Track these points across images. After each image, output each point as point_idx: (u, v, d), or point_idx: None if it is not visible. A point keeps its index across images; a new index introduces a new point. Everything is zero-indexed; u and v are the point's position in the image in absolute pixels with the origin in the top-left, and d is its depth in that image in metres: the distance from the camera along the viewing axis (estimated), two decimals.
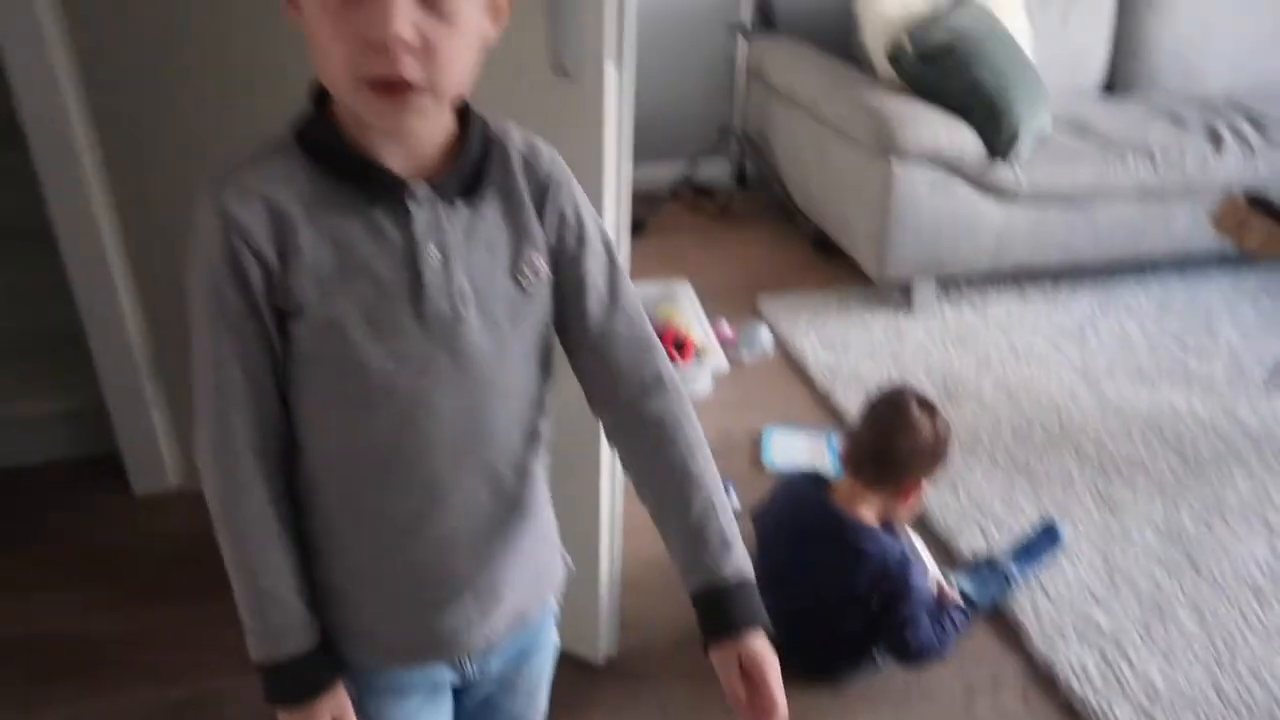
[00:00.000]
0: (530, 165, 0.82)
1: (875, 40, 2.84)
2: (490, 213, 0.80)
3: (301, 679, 0.82)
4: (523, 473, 0.88)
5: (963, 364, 2.51)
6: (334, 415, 0.80)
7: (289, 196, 0.74)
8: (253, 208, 0.73)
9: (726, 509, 0.84)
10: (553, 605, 1.00)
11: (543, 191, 0.82)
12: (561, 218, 0.84)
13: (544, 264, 0.82)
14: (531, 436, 0.88)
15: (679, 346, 2.32)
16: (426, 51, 0.68)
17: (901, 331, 2.66)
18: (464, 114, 0.80)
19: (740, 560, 0.83)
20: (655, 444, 0.85)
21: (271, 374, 0.78)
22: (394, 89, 0.69)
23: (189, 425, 0.77)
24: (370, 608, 0.86)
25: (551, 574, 0.97)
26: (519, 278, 0.81)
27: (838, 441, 2.19)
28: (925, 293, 2.75)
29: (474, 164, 0.79)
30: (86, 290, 1.76)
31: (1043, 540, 1.86)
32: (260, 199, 0.73)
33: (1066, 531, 1.89)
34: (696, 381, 2.36)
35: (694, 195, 3.33)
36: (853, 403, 2.28)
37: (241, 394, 0.77)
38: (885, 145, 2.51)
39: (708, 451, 0.86)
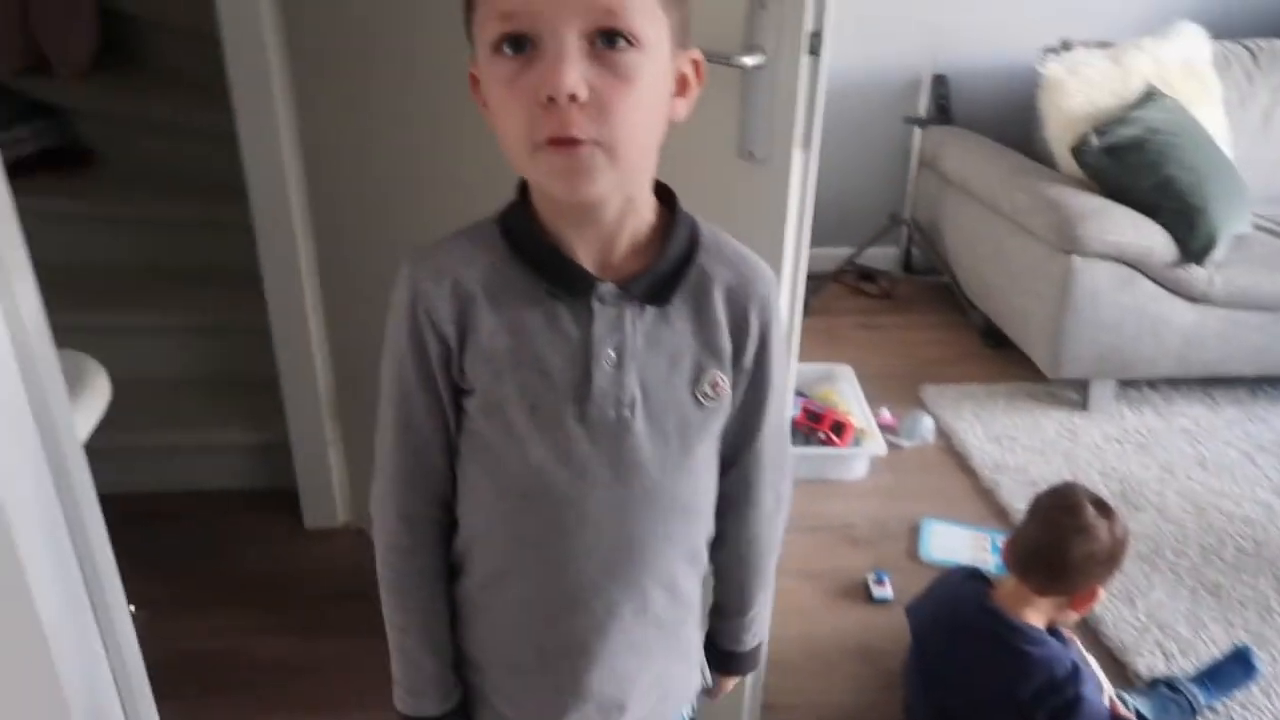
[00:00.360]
0: (738, 283, 0.78)
1: (1058, 134, 2.77)
2: (679, 322, 0.77)
3: None
4: (674, 593, 0.85)
5: (1143, 470, 2.36)
6: (490, 498, 0.80)
7: (476, 278, 0.74)
8: (441, 286, 0.74)
9: (769, 600, 0.98)
10: (684, 713, 0.98)
11: (745, 311, 0.78)
12: (761, 341, 0.80)
13: (727, 383, 0.79)
14: (690, 558, 0.85)
15: (837, 429, 2.28)
16: (599, 109, 0.65)
17: (1076, 431, 2.52)
18: (671, 213, 0.77)
19: (761, 631, 0.99)
20: (739, 560, 0.92)
21: (443, 447, 0.80)
22: (567, 146, 0.66)
23: (361, 467, 0.82)
24: (502, 687, 0.87)
25: (686, 689, 0.95)
26: (699, 395, 0.78)
27: (1001, 540, 2.09)
28: (1103, 392, 2.61)
29: (671, 269, 0.76)
30: (285, 335, 1.90)
31: (1235, 669, 1.70)
32: (451, 279, 0.74)
33: (1264, 663, 1.72)
34: (853, 465, 2.31)
35: (858, 278, 3.31)
36: (1019, 500, 2.17)
37: (412, 462, 0.80)
38: (1066, 239, 2.43)
39: (775, 555, 0.95)
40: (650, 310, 0.75)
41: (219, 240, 2.14)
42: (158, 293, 2.21)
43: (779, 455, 0.89)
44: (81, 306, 2.00)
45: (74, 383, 1.02)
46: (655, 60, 0.68)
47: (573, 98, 0.64)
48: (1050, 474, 2.31)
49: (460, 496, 0.83)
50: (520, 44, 0.65)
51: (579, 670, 0.83)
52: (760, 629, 0.99)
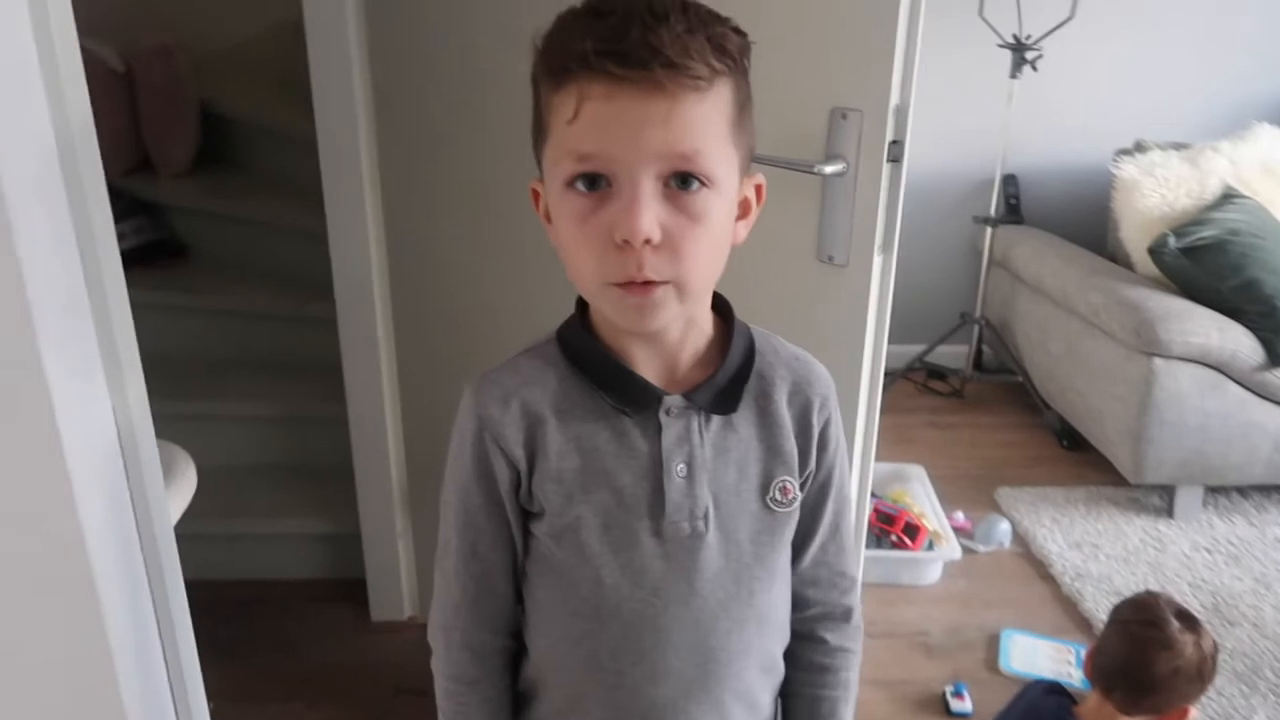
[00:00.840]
0: (798, 385, 0.79)
1: (1133, 235, 2.74)
2: (744, 429, 0.77)
3: None
4: (753, 708, 0.83)
5: (1236, 582, 2.24)
6: (562, 623, 0.78)
7: (542, 399, 0.74)
8: (509, 411, 0.74)
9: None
10: None
11: (807, 412, 0.79)
12: (823, 443, 0.80)
13: (796, 486, 0.79)
14: (768, 670, 0.84)
15: (910, 532, 2.23)
16: (672, 250, 0.66)
17: (1162, 539, 2.42)
18: (727, 322, 0.78)
19: None
20: (821, 670, 0.87)
21: (510, 573, 0.79)
22: (639, 288, 0.67)
23: (428, 561, 0.82)
24: None
25: None
26: (769, 501, 0.77)
27: (1085, 653, 1.99)
28: (1190, 499, 2.51)
29: (732, 377, 0.76)
30: (361, 427, 1.93)
31: None
32: (517, 402, 0.74)
33: None
34: (926, 569, 2.24)
35: (928, 376, 3.27)
36: (1104, 611, 2.07)
37: (477, 590, 0.79)
38: (1146, 341, 2.38)
39: (855, 696, 0.89)
40: (716, 419, 0.75)
41: (302, 333, 2.21)
42: (238, 382, 2.28)
43: (845, 559, 0.88)
44: (166, 394, 2.06)
45: (164, 472, 1.05)
46: (725, 196, 0.70)
47: (646, 241, 0.65)
48: (1136, 584, 2.21)
49: (529, 622, 0.81)
50: (594, 182, 0.66)
51: None
52: None
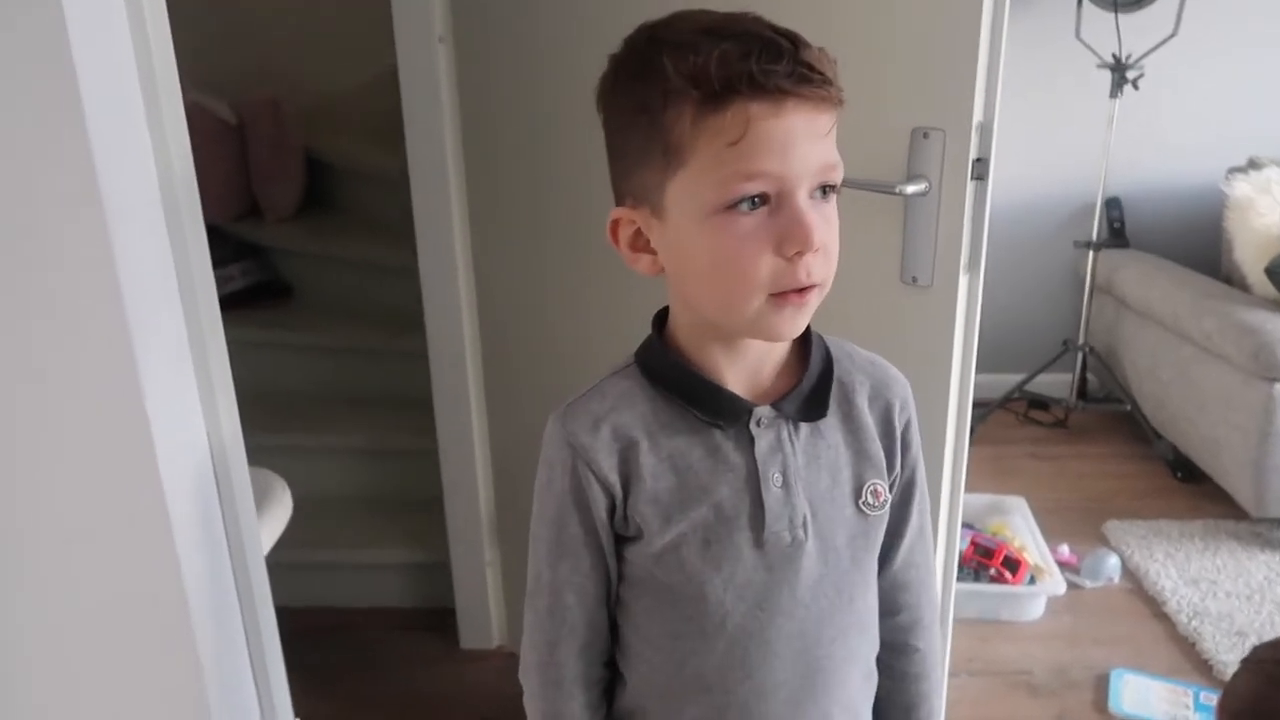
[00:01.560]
0: (877, 387, 0.80)
1: (1248, 256, 2.61)
2: (832, 435, 0.77)
3: None
4: (857, 717, 0.83)
5: None
6: (664, 646, 0.78)
7: (633, 422, 0.75)
8: (600, 437, 0.74)
9: None
10: None
11: (889, 415, 0.80)
12: (905, 443, 0.81)
13: (886, 489, 0.79)
14: (868, 678, 0.84)
15: (1010, 565, 2.14)
16: (824, 254, 0.70)
17: None
18: (804, 332, 0.78)
19: None
20: (917, 679, 0.87)
21: (604, 603, 0.79)
22: (798, 294, 0.69)
23: (516, 589, 0.81)
24: None
25: None
26: (862, 506, 0.78)
27: (1206, 697, 1.87)
28: None
29: (816, 384, 0.77)
30: (451, 458, 1.97)
31: None
32: (608, 426, 0.74)
33: None
34: (1028, 605, 2.14)
35: (1029, 406, 3.16)
36: (1225, 652, 1.96)
37: (573, 622, 0.78)
38: (1265, 365, 2.25)
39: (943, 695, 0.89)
40: (804, 427, 0.76)
41: (396, 368, 2.28)
42: (334, 415, 2.35)
43: (929, 559, 0.89)
44: (266, 427, 2.15)
45: (260, 498, 1.09)
46: (837, 197, 0.72)
47: (814, 249, 0.68)
48: (1260, 623, 2.07)
49: (626, 649, 0.81)
50: (754, 200, 0.68)
51: None
52: None
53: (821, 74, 0.66)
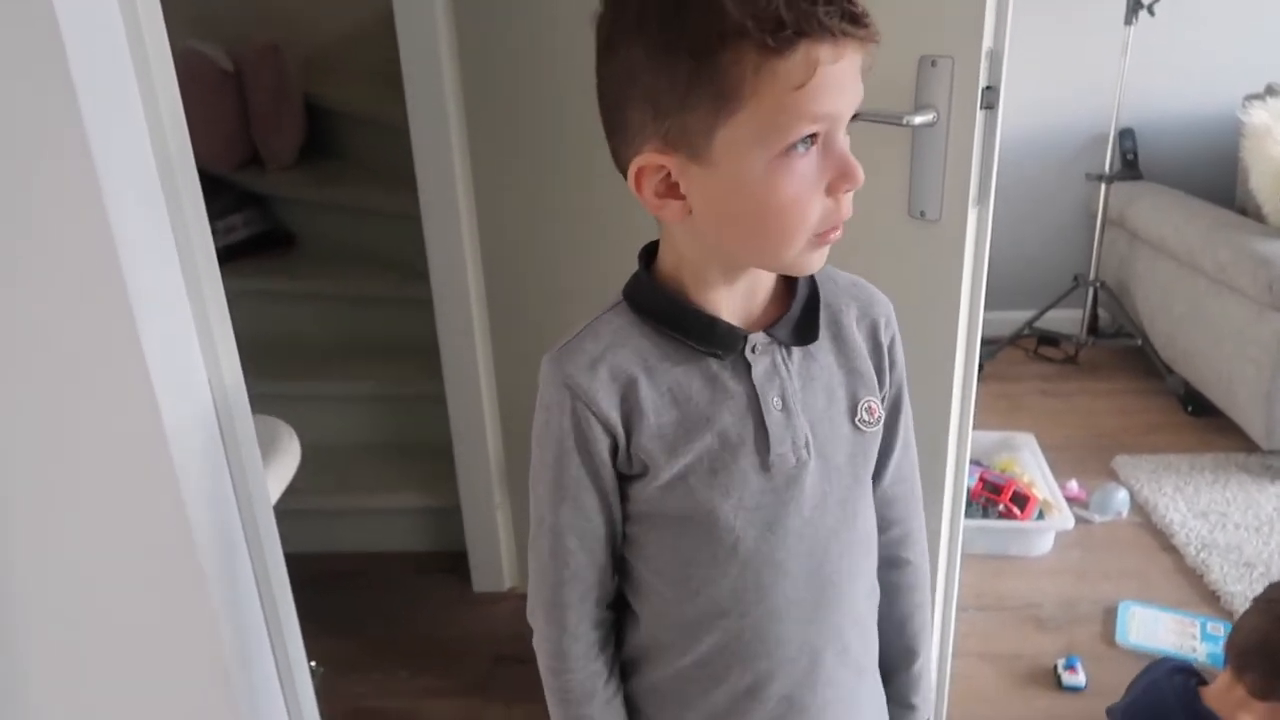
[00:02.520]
0: (863, 307, 0.82)
1: (1265, 185, 2.56)
2: (824, 357, 0.79)
3: None
4: (865, 633, 0.85)
5: None
6: (675, 578, 0.79)
7: (629, 359, 0.74)
8: (598, 376, 0.73)
9: (928, 675, 0.94)
10: None
11: (876, 333, 0.82)
12: (892, 360, 0.83)
13: (879, 405, 0.81)
14: (870, 591, 0.86)
15: (1018, 501, 2.14)
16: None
17: None
18: None
19: (930, 696, 0.93)
20: (910, 590, 0.90)
21: (607, 544, 0.79)
22: (833, 231, 0.70)
23: (526, 532, 0.81)
24: None
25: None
26: (858, 423, 0.79)
27: (1213, 628, 1.89)
28: None
29: (804, 309, 0.78)
30: (459, 403, 1.98)
31: None
32: (605, 366, 0.74)
33: None
34: (1037, 540, 2.15)
35: (1039, 342, 3.14)
36: (1233, 583, 1.97)
37: (576, 565, 0.78)
38: None
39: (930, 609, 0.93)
40: (797, 351, 0.77)
41: (402, 314, 2.27)
42: (342, 363, 2.36)
43: (915, 473, 0.91)
44: (275, 375, 2.15)
45: (268, 446, 1.09)
46: None
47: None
48: (1269, 555, 2.08)
49: (637, 586, 0.81)
50: (810, 141, 0.67)
51: None
52: (929, 692, 0.94)
53: (868, 16, 0.66)
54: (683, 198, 0.70)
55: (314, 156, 2.71)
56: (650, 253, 0.79)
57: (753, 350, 0.76)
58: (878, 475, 0.85)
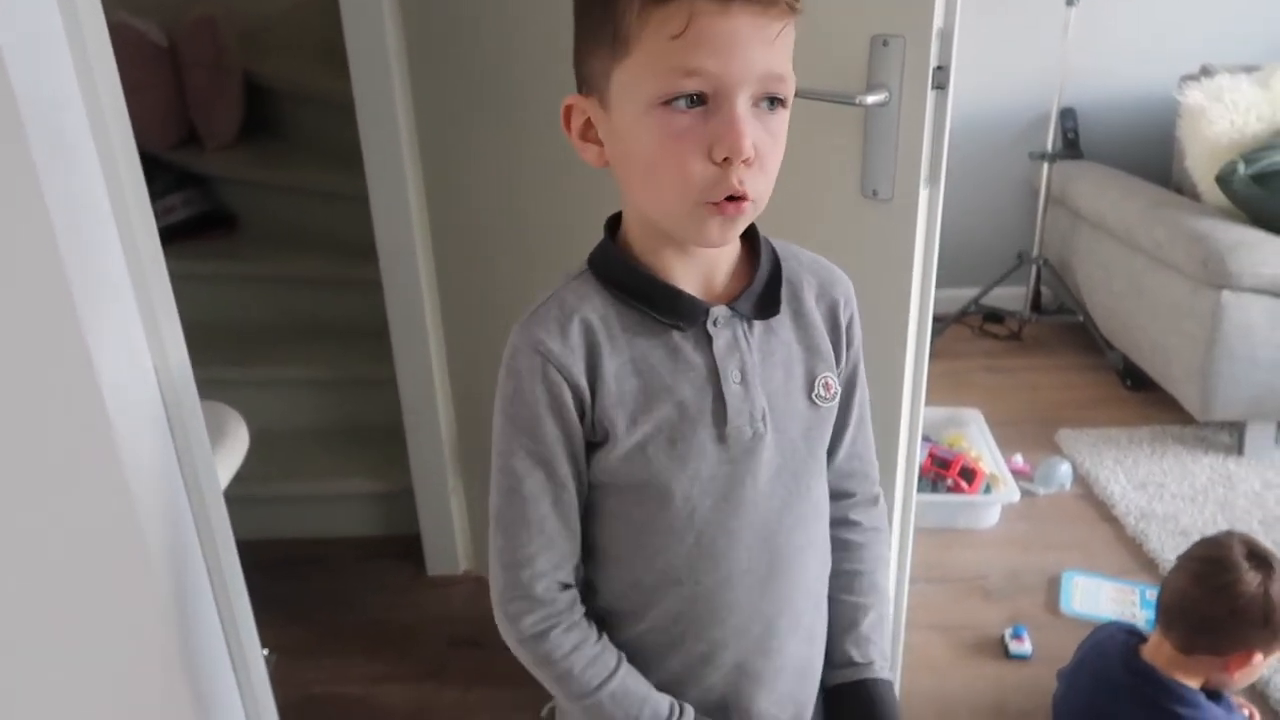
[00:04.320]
0: (823, 285, 0.83)
1: (1200, 164, 2.63)
2: (784, 332, 0.80)
3: None
4: (818, 604, 0.87)
5: None
6: (632, 545, 0.79)
7: (595, 326, 0.75)
8: (569, 340, 0.74)
9: (889, 619, 0.93)
10: None
11: (834, 310, 0.83)
12: (849, 338, 0.84)
13: (836, 382, 0.82)
14: (824, 563, 0.87)
15: (966, 475, 2.19)
16: (760, 166, 0.69)
17: (1231, 477, 2.35)
18: (750, 235, 0.80)
19: (885, 651, 0.91)
20: (856, 546, 0.91)
21: (576, 509, 0.79)
22: (732, 204, 0.69)
23: (480, 515, 0.80)
24: None
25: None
26: (815, 398, 0.81)
27: (1151, 595, 1.95)
28: (1261, 436, 2.43)
29: (766, 284, 0.79)
30: (410, 386, 1.95)
31: None
32: (573, 330, 0.74)
33: None
34: (984, 513, 2.20)
35: (984, 319, 3.20)
36: (1170, 551, 2.04)
37: (550, 531, 0.77)
38: (1214, 274, 2.28)
39: (888, 570, 0.94)
40: (758, 325, 0.78)
41: (350, 297, 2.24)
42: (290, 347, 2.31)
43: (871, 448, 0.92)
44: (220, 361, 2.11)
45: (215, 432, 1.06)
46: (788, 115, 0.72)
47: (745, 159, 0.67)
48: (1204, 523, 2.15)
49: (596, 554, 0.82)
50: (692, 99, 0.67)
51: (745, 703, 0.83)
52: (884, 649, 0.92)
53: None
54: (600, 143, 0.73)
55: (255, 135, 2.65)
56: (616, 222, 0.79)
57: (714, 323, 0.76)
58: (833, 450, 0.87)
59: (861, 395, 0.88)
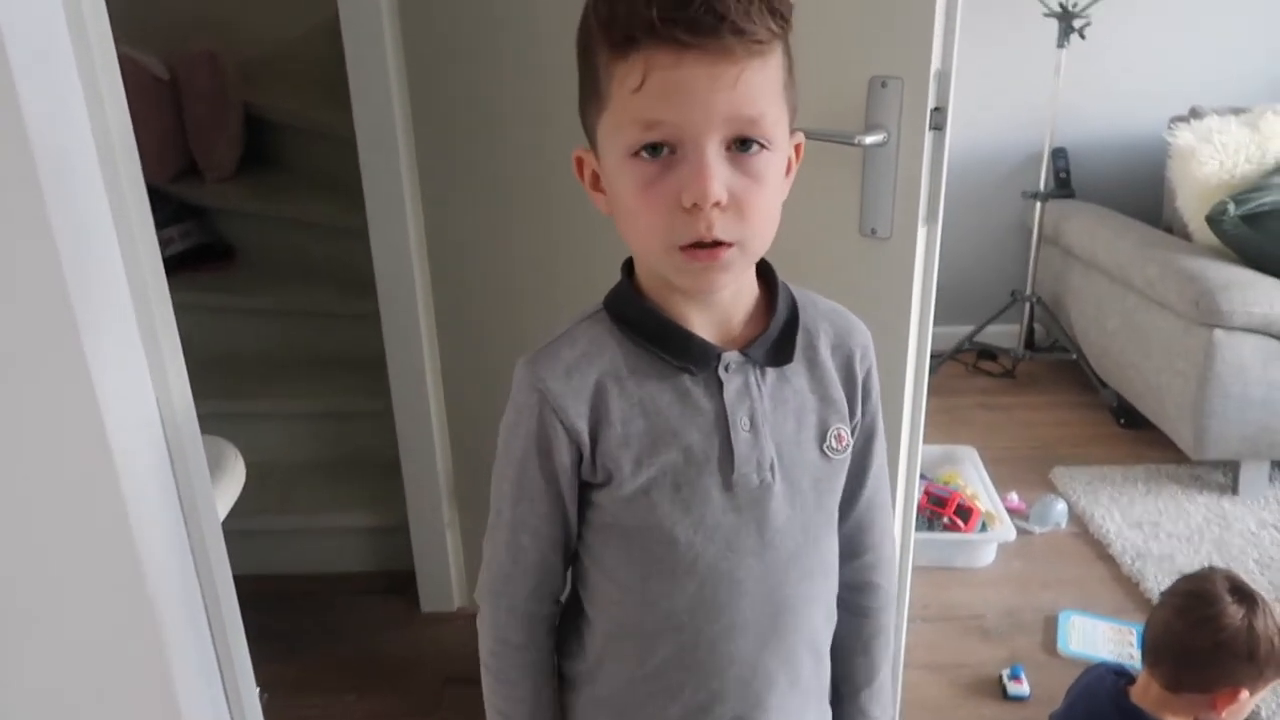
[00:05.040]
0: (840, 335, 0.81)
1: (1190, 204, 2.66)
2: (798, 381, 0.79)
3: None
4: (819, 658, 0.86)
5: None
6: (633, 589, 0.79)
7: (602, 368, 0.75)
8: (570, 383, 0.74)
9: (889, 689, 0.93)
10: None
11: (850, 362, 0.81)
12: (866, 391, 0.83)
13: (848, 434, 0.81)
14: (828, 616, 0.86)
15: (962, 514, 2.19)
16: (737, 211, 0.68)
17: (1226, 516, 2.35)
18: (769, 280, 0.79)
19: (889, 709, 0.92)
20: (876, 613, 0.90)
21: (560, 546, 0.80)
22: (708, 251, 0.68)
23: (476, 552, 0.82)
24: None
25: None
26: (826, 450, 0.79)
27: None
28: (1255, 475, 2.44)
29: (782, 331, 0.78)
30: (407, 420, 1.95)
31: None
32: (579, 373, 0.75)
33: None
34: (980, 551, 2.20)
35: (978, 357, 3.21)
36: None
37: (526, 563, 0.80)
38: (1206, 312, 2.30)
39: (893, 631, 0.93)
40: (771, 373, 0.77)
41: (348, 330, 2.24)
42: (287, 380, 2.31)
43: (889, 501, 0.91)
44: (216, 393, 2.10)
45: (213, 466, 1.06)
46: (780, 155, 0.71)
47: (715, 203, 0.66)
48: (1199, 562, 2.15)
49: (594, 594, 0.82)
50: (658, 149, 0.67)
51: None
52: (889, 705, 0.95)
53: (735, 23, 0.63)
54: (604, 191, 0.74)
55: (254, 167, 2.66)
56: (632, 264, 0.79)
57: (726, 368, 0.76)
58: (850, 502, 0.85)
59: (880, 448, 0.86)
